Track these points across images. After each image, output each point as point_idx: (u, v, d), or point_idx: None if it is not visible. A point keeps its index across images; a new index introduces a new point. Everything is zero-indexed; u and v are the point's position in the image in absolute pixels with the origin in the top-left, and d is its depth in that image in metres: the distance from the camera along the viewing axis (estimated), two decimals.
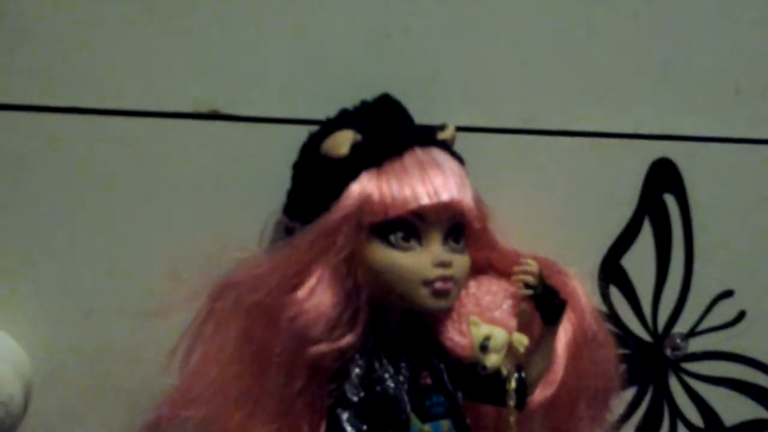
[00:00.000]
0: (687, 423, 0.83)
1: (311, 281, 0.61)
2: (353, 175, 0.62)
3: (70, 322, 0.70)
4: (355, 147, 0.63)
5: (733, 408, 0.84)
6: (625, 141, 0.80)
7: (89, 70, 0.70)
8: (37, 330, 0.70)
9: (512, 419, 0.65)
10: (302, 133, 0.68)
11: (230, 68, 0.71)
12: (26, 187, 0.70)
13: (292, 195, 0.68)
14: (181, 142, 0.71)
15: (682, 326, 0.82)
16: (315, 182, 0.65)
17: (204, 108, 0.71)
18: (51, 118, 0.69)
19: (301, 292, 0.61)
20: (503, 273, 0.69)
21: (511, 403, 0.65)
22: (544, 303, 0.66)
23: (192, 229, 0.71)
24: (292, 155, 0.68)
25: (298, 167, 0.68)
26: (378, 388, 0.62)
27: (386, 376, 0.62)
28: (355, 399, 0.61)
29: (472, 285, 0.68)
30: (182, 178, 0.71)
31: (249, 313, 0.62)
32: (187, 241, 0.70)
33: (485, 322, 0.66)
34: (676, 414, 0.83)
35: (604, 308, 0.80)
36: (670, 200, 0.82)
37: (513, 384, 0.65)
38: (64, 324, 0.70)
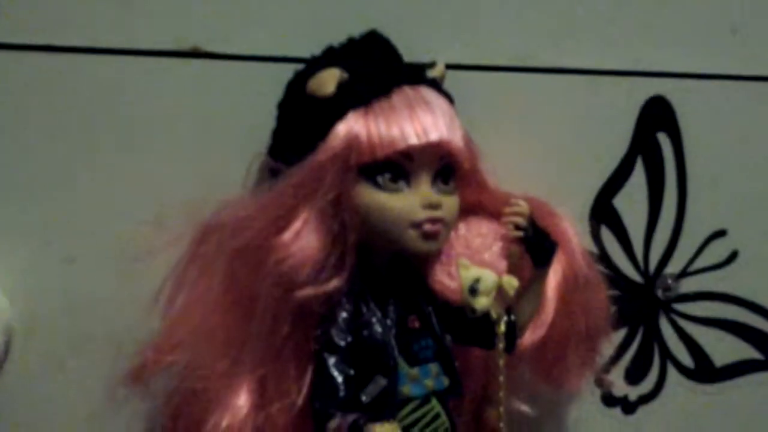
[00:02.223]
0: (677, 364, 0.83)
1: (297, 224, 0.60)
2: (340, 115, 0.61)
3: (52, 268, 0.70)
4: (341, 86, 0.62)
5: (724, 349, 0.84)
6: (618, 78, 0.79)
7: (65, 6, 0.68)
8: (18, 277, 0.69)
9: (501, 362, 0.65)
10: (287, 71, 0.66)
11: (212, 4, 0.70)
12: (1, 132, 0.68)
13: (276, 136, 0.66)
14: (161, 81, 0.70)
15: (674, 267, 0.82)
16: (300, 122, 0.63)
17: (185, 46, 0.70)
18: (26, 57, 0.68)
19: (287, 235, 0.60)
20: (493, 214, 0.68)
21: (501, 346, 0.65)
22: (535, 245, 0.66)
23: (174, 171, 0.70)
24: (277, 94, 0.66)
25: (283, 107, 0.66)
26: (365, 333, 0.62)
27: (374, 320, 0.62)
28: (342, 343, 0.61)
29: (462, 227, 0.68)
30: (163, 119, 0.70)
31: (233, 256, 0.62)
32: (170, 184, 0.69)
33: (475, 264, 0.65)
34: (667, 355, 0.83)
35: (595, 249, 0.80)
36: (663, 139, 0.81)
37: (502, 327, 0.65)
38: (46, 270, 0.70)
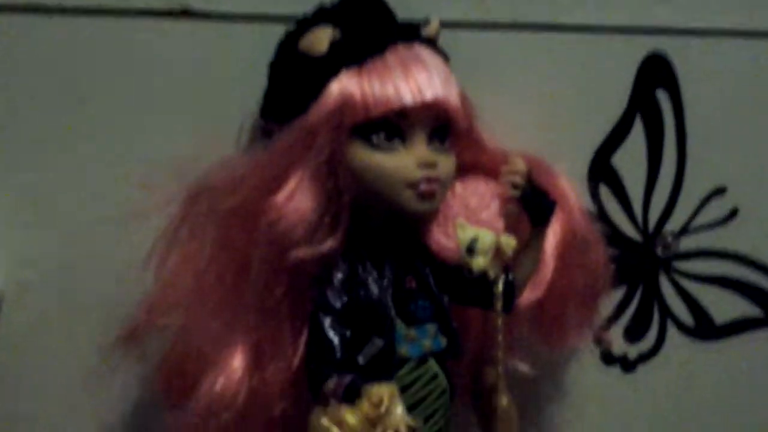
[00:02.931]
0: (677, 322, 0.83)
1: (290, 184, 0.60)
2: (333, 74, 0.60)
3: (42, 230, 0.70)
4: (334, 44, 0.61)
5: (724, 306, 0.84)
6: (616, 35, 0.78)
7: None
8: (8, 239, 0.69)
9: (499, 322, 0.64)
10: (279, 30, 0.65)
11: None
12: None
13: (269, 96, 0.65)
14: (151, 42, 0.69)
15: (673, 224, 0.81)
16: (293, 82, 0.63)
17: (175, 5, 0.69)
18: (12, 18, 0.67)
19: (281, 196, 0.59)
20: (490, 173, 0.67)
21: (499, 305, 0.64)
22: (532, 204, 0.66)
23: (166, 132, 0.69)
24: (269, 54, 0.65)
25: (274, 67, 0.65)
26: (361, 293, 0.61)
27: (370, 280, 0.62)
28: (338, 304, 0.61)
29: (459, 186, 0.67)
30: (154, 80, 0.69)
31: (226, 218, 0.61)
32: (161, 146, 0.69)
33: (472, 223, 0.64)
34: (666, 313, 0.83)
35: (593, 208, 0.79)
36: (662, 96, 0.80)
37: (500, 287, 0.64)
38: (37, 233, 0.70)
